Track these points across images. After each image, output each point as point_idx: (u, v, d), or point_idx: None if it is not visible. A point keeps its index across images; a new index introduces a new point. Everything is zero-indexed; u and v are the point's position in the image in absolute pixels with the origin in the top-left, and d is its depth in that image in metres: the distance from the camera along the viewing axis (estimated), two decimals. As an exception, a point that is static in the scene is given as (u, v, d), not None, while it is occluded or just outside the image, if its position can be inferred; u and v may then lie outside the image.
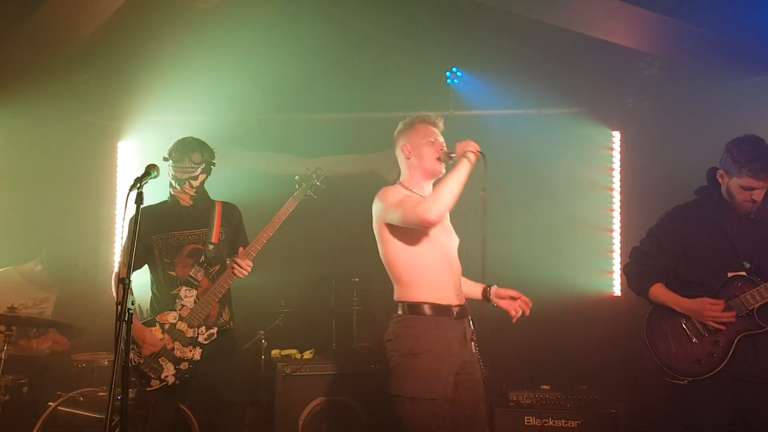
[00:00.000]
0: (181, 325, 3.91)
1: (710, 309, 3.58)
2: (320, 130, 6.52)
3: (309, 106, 6.40)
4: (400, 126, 3.81)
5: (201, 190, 4.23)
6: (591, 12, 5.18)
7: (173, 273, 4.02)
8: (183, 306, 3.94)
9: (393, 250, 3.54)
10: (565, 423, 5.13)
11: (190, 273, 3.97)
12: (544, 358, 5.92)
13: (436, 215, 3.30)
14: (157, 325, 3.92)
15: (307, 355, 5.53)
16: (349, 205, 6.40)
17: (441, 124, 3.78)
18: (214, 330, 3.96)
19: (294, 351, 5.59)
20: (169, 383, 3.86)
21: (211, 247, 4.01)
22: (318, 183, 4.36)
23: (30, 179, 6.12)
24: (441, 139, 3.71)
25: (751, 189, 3.62)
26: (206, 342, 3.94)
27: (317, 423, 5.29)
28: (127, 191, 3.09)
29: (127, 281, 2.93)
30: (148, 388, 3.84)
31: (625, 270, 4.00)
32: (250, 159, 6.60)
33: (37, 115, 6.00)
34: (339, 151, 6.65)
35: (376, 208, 3.64)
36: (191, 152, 4.16)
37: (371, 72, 6.07)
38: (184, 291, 3.95)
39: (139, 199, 3.09)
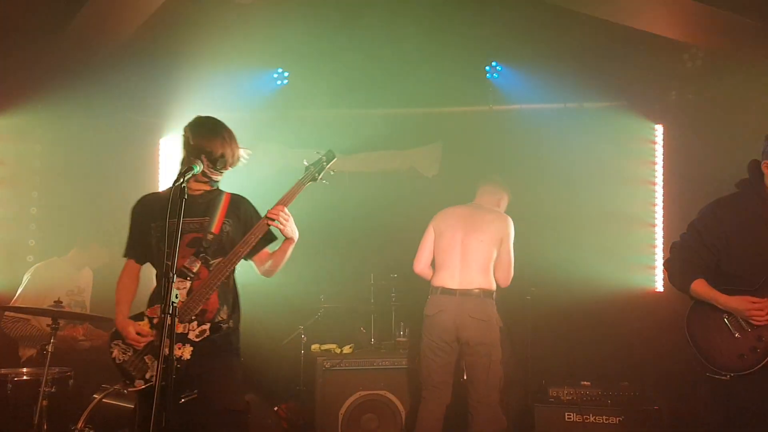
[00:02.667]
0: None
1: (752, 309, 3.50)
2: (359, 125, 6.51)
3: (347, 102, 6.41)
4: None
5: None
6: (633, 2, 5.09)
7: (170, 263, 3.46)
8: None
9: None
10: (606, 419, 5.08)
11: (185, 264, 3.52)
12: (584, 355, 5.86)
13: None
14: (146, 319, 3.56)
15: (347, 349, 5.56)
16: (387, 201, 6.43)
17: None
18: (207, 326, 3.51)
19: (334, 346, 5.62)
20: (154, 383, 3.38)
21: (210, 237, 3.55)
22: (326, 165, 3.79)
23: (73, 175, 6.23)
24: None
25: None
26: (197, 339, 3.48)
27: (357, 417, 5.33)
28: (171, 186, 3.13)
29: (172, 275, 2.94)
30: (131, 389, 3.50)
31: (666, 265, 3.92)
32: (288, 155, 6.64)
33: (81, 112, 6.11)
34: (377, 147, 6.66)
35: (509, 232, 5.09)
36: (231, 144, 3.71)
37: (410, 67, 6.05)
38: (177, 282, 3.44)
39: (182, 193, 3.10)
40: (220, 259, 3.63)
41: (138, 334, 3.51)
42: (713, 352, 3.62)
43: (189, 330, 3.52)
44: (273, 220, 3.54)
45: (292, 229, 3.64)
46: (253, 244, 3.59)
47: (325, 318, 5.88)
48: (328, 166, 3.78)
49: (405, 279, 5.84)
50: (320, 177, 3.77)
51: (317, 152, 3.80)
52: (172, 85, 6.14)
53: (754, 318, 3.50)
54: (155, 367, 3.41)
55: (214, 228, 3.59)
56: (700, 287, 3.67)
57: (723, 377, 3.56)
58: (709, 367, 3.61)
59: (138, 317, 3.58)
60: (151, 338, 3.52)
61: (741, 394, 3.55)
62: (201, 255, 3.56)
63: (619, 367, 5.65)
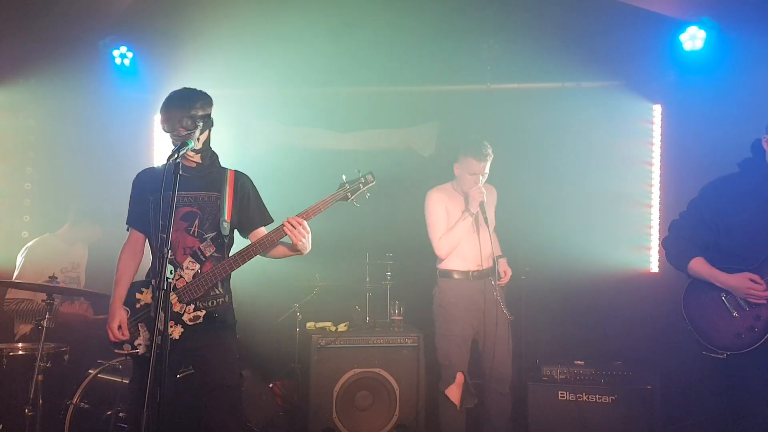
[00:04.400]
0: (172, 296, 3.43)
1: (751, 288, 3.50)
2: (355, 103, 6.48)
3: (345, 80, 6.35)
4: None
5: (206, 147, 3.71)
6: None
7: (165, 236, 3.51)
8: (181, 277, 3.53)
9: None
10: (599, 398, 5.11)
11: (201, 246, 3.58)
12: (578, 334, 5.87)
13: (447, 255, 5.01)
14: (150, 287, 3.63)
15: (342, 327, 5.58)
16: (384, 181, 6.38)
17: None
18: (202, 313, 3.54)
19: (329, 324, 5.64)
20: (140, 353, 3.54)
21: (225, 225, 3.60)
22: (363, 188, 3.72)
23: (68, 150, 6.20)
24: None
25: None
26: (190, 323, 3.53)
27: (351, 394, 5.35)
28: (165, 162, 3.12)
29: (167, 251, 2.95)
30: (117, 350, 3.57)
31: (664, 243, 3.90)
32: (284, 133, 6.61)
33: (74, 87, 6.07)
34: (374, 126, 6.62)
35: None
36: (180, 117, 3.52)
37: (407, 45, 6.00)
38: (188, 262, 3.55)
39: (177, 169, 3.09)
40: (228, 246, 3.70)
41: (119, 328, 3.55)
42: (710, 331, 3.62)
43: (184, 311, 3.54)
44: (293, 228, 3.50)
45: (306, 245, 3.59)
46: (268, 247, 3.60)
47: (321, 296, 5.90)
48: (364, 188, 3.71)
49: (400, 258, 5.85)
50: (352, 198, 3.69)
51: (358, 170, 3.72)
52: (166, 61, 6.08)
53: (752, 296, 3.49)
54: (144, 336, 3.54)
55: (227, 215, 3.62)
56: (699, 265, 3.67)
57: (720, 356, 3.57)
58: (706, 346, 3.62)
59: (145, 284, 3.65)
60: (126, 338, 3.54)
61: (737, 373, 3.55)
62: (218, 241, 3.60)
63: (612, 347, 5.66)
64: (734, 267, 3.58)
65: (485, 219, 4.91)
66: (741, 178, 3.73)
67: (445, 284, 5.04)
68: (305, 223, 3.52)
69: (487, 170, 4.91)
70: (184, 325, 3.54)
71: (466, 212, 4.91)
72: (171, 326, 3.45)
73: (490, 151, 4.88)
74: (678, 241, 3.79)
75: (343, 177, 3.70)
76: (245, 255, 3.57)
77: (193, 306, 3.55)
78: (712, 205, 3.71)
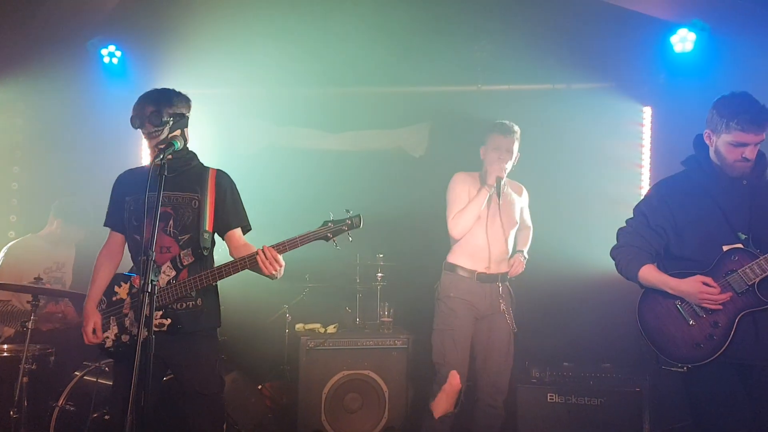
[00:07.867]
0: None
1: (704, 291, 3.29)
2: (346, 104, 6.46)
3: (335, 80, 6.33)
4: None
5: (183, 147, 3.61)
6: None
7: (138, 237, 3.58)
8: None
9: None
10: (588, 400, 5.10)
11: (181, 253, 3.53)
12: (567, 336, 5.86)
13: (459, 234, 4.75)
14: (129, 282, 3.61)
15: (331, 329, 5.56)
16: (374, 181, 6.40)
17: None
18: (167, 321, 3.47)
19: (318, 325, 5.61)
20: (105, 345, 3.57)
21: (206, 236, 3.55)
22: (347, 230, 3.57)
23: (54, 150, 6.16)
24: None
25: (743, 145, 3.30)
26: (156, 330, 3.36)
27: (341, 396, 5.33)
28: (152, 163, 3.10)
29: (151, 253, 2.92)
30: (91, 339, 3.58)
31: (613, 253, 3.68)
32: (275, 133, 6.58)
33: (62, 86, 6.03)
34: (365, 126, 6.60)
35: None
36: (149, 114, 3.56)
37: (398, 46, 5.98)
38: (166, 267, 3.50)
39: (162, 170, 3.07)
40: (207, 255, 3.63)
41: (93, 332, 3.56)
42: (668, 343, 3.41)
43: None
44: (264, 259, 3.41)
45: (276, 276, 3.52)
46: (241, 270, 3.50)
47: (310, 297, 5.88)
48: (348, 231, 3.57)
49: (391, 259, 5.83)
50: (333, 239, 3.55)
51: (347, 210, 3.57)
52: (155, 60, 6.04)
53: (706, 301, 3.29)
54: (113, 330, 3.57)
55: (207, 225, 3.57)
56: (649, 273, 3.47)
57: (679, 369, 3.36)
58: (664, 360, 3.42)
59: (125, 278, 3.63)
60: (99, 341, 3.58)
61: (700, 386, 3.35)
62: (197, 251, 3.54)
63: (601, 349, 5.66)
64: (687, 272, 3.38)
65: (498, 199, 4.65)
66: (685, 177, 3.57)
67: (447, 277, 4.79)
68: (280, 257, 3.44)
69: (514, 150, 4.71)
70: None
71: (483, 186, 4.68)
72: (135, 327, 3.48)
73: (516, 130, 4.73)
74: (626, 250, 3.59)
75: (330, 215, 3.56)
76: (218, 273, 3.49)
77: (161, 312, 3.49)
78: (657, 207, 3.53)
